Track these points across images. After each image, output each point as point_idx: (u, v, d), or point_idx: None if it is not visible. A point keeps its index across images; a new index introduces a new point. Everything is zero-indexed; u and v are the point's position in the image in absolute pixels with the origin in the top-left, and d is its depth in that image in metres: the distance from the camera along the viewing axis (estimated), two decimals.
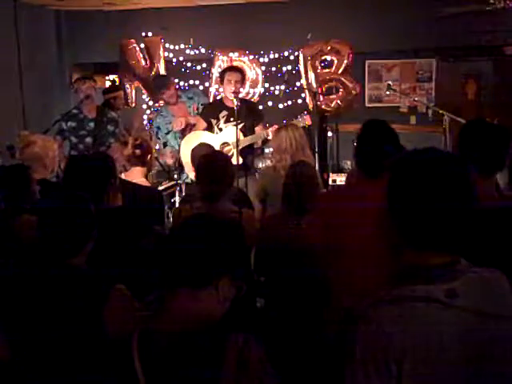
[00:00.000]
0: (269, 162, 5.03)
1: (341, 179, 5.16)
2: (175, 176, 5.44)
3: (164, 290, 1.45)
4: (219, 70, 5.99)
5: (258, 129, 5.07)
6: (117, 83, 7.02)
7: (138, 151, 3.56)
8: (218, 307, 1.43)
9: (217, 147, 4.78)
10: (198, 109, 5.75)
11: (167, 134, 5.64)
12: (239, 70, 5.18)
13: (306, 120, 4.75)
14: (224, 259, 1.42)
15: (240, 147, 4.74)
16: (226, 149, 4.99)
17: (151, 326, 1.40)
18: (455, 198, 1.25)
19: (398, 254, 1.32)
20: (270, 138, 4.74)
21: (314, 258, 2.53)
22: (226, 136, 5.01)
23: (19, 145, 3.62)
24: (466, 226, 1.27)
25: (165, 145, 5.67)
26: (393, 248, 1.34)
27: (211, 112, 5.16)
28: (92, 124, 5.08)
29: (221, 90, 5.61)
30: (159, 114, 5.77)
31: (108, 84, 7.92)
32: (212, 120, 5.12)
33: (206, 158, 3.09)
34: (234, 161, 4.90)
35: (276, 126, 4.57)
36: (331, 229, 2.38)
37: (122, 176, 3.50)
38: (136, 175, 3.56)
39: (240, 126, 4.84)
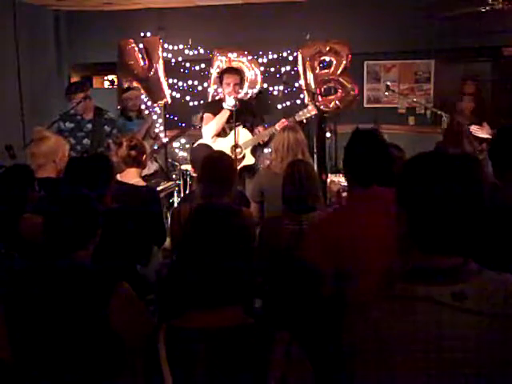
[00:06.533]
0: (267, 162, 5.02)
1: (339, 179, 5.16)
2: (173, 176, 5.44)
3: None
4: (218, 70, 5.98)
5: (259, 129, 5.05)
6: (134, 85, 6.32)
7: (133, 152, 3.55)
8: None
9: (228, 151, 4.69)
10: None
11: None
12: (237, 72, 5.16)
13: (310, 111, 4.75)
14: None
15: (249, 147, 4.74)
16: (237, 150, 4.94)
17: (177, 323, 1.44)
18: (464, 199, 1.23)
19: (407, 254, 1.31)
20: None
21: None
22: (233, 138, 4.96)
23: (34, 137, 3.59)
24: (476, 228, 1.25)
25: None
26: (402, 248, 1.33)
27: (212, 111, 5.13)
28: (89, 125, 5.07)
29: (219, 90, 5.60)
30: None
31: (106, 84, 7.91)
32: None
33: (210, 158, 3.07)
34: (247, 162, 4.92)
35: (284, 121, 4.56)
36: (339, 250, 2.25)
37: (118, 177, 3.49)
38: (132, 176, 3.56)
39: (241, 127, 4.83)
